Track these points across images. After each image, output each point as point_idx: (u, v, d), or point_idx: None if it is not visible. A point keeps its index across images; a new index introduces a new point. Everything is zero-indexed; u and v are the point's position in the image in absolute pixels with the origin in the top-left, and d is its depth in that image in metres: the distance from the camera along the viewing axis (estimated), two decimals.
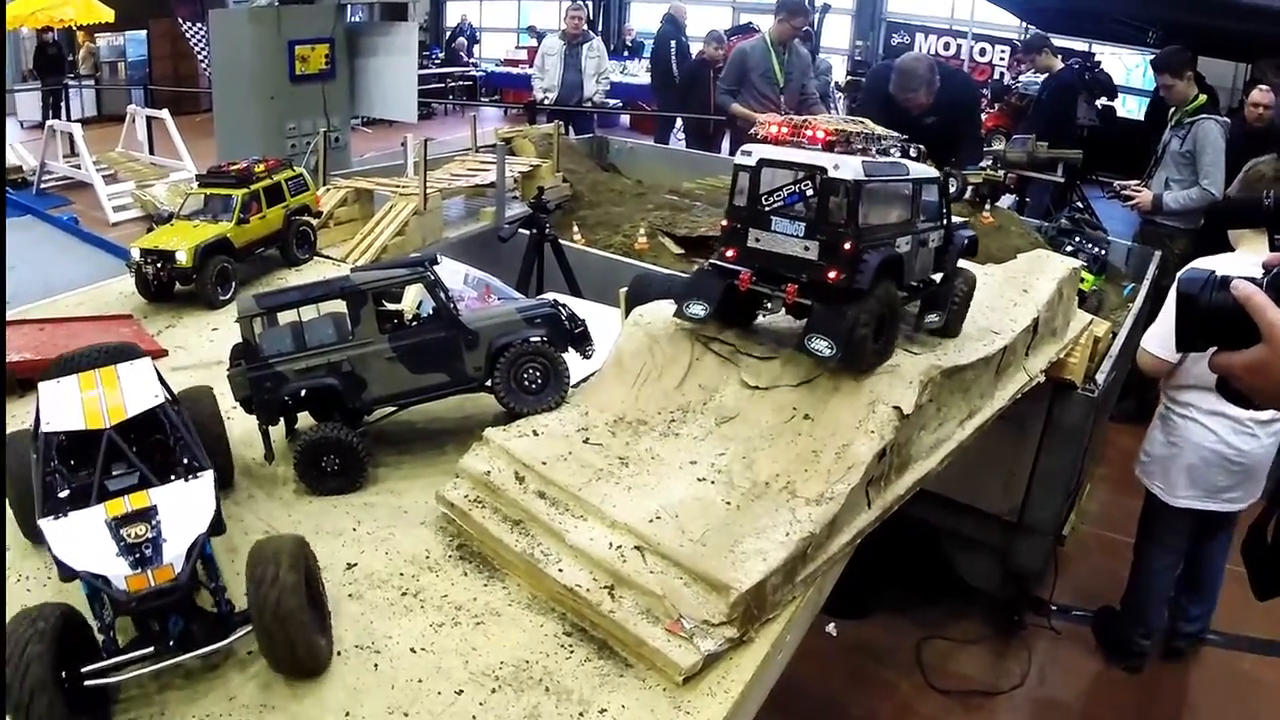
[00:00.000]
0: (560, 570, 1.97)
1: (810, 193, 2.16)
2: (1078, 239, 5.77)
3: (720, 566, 1.85)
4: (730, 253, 2.31)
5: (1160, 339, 4.00)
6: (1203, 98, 6.69)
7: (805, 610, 2.08)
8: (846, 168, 2.13)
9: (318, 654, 1.75)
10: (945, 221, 2.60)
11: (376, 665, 1.81)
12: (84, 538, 1.65)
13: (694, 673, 1.77)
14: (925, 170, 2.45)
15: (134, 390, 1.93)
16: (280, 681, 1.76)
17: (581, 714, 1.73)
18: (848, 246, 2.13)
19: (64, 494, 1.78)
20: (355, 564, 2.09)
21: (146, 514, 1.69)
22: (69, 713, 1.54)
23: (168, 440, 1.92)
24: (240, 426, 2.54)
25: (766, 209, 2.23)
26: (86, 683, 1.59)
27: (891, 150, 2.40)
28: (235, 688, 1.75)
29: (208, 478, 1.81)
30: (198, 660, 1.74)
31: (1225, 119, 6.72)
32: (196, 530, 1.70)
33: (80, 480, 1.81)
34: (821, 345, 2.16)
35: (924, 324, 2.62)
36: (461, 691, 1.76)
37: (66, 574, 1.66)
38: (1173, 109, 6.94)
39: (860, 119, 2.41)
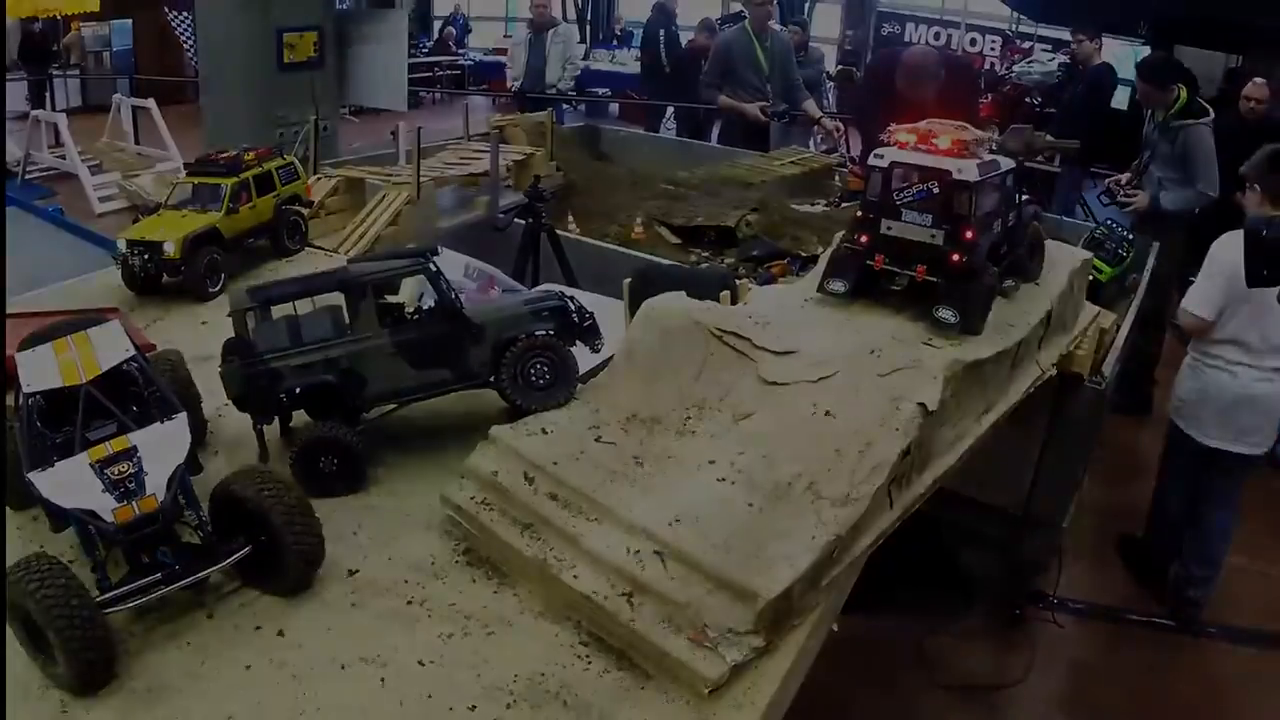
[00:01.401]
0: (575, 577, 1.88)
1: (936, 190, 2.52)
2: (1110, 222, 5.76)
3: (746, 572, 1.77)
4: (864, 239, 2.65)
5: (1199, 300, 4.42)
6: (1184, 95, 6.60)
7: (828, 615, 1.99)
8: (968, 171, 2.49)
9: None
10: (1019, 198, 2.95)
11: (383, 680, 1.72)
12: (71, 481, 1.77)
13: (720, 684, 1.69)
14: (1008, 161, 2.81)
15: (106, 348, 2.03)
16: (279, 704, 1.68)
17: None
18: (970, 234, 2.49)
19: (49, 448, 1.88)
20: (357, 571, 2.00)
21: (127, 454, 1.81)
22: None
23: (141, 392, 2.03)
24: (233, 426, 2.44)
25: (898, 202, 2.58)
26: (104, 611, 1.69)
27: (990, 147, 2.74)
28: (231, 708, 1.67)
29: (182, 418, 1.93)
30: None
31: (1209, 117, 6.64)
32: (175, 461, 1.83)
33: (63, 436, 1.91)
34: (948, 314, 2.50)
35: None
36: (475, 707, 1.67)
37: (58, 522, 1.83)
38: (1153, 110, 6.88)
39: (963, 124, 2.71)
